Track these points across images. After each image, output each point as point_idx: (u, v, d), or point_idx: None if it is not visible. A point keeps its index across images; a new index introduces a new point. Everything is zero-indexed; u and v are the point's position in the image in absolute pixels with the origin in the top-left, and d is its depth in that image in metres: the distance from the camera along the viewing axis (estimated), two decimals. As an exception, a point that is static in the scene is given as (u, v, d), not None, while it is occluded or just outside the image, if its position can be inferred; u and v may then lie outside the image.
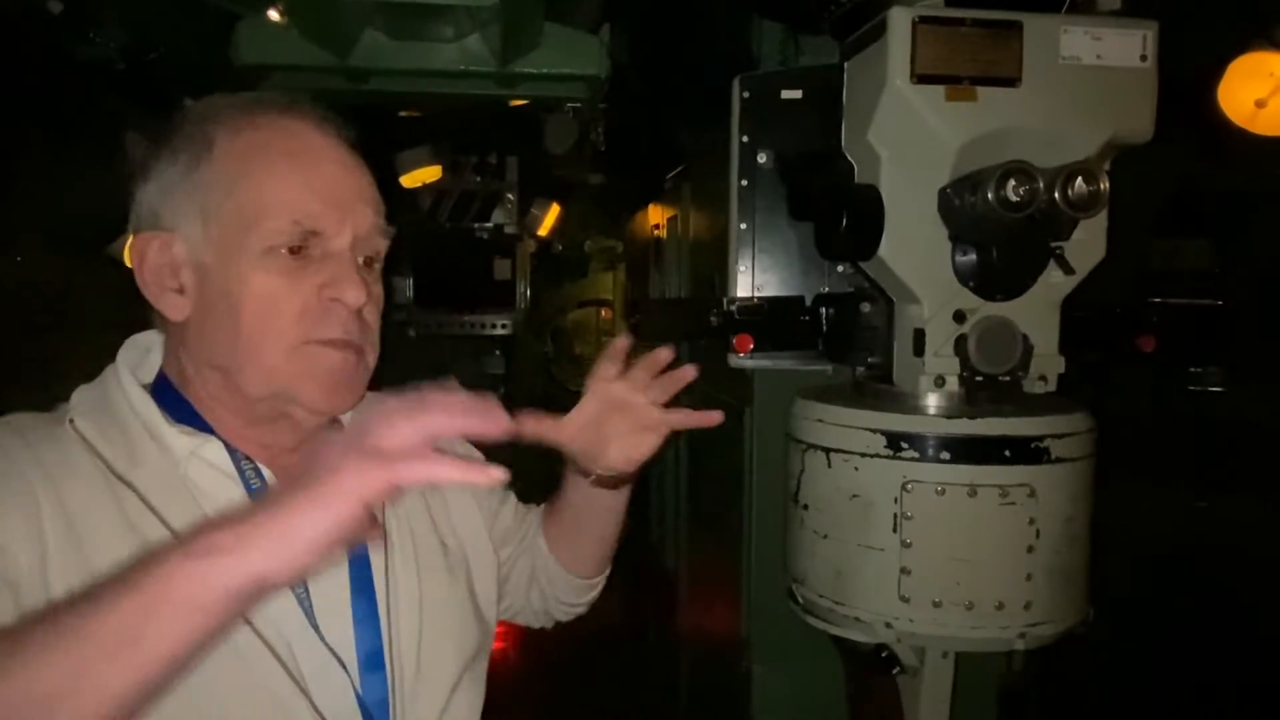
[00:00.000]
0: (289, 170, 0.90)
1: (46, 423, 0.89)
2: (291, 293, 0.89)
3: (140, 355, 0.98)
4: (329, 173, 0.92)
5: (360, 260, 0.94)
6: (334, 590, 0.92)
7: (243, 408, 0.92)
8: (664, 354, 1.12)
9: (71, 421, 0.88)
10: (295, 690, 0.84)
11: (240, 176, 0.89)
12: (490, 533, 1.16)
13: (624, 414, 1.10)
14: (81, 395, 0.93)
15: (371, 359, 0.96)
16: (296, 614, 0.88)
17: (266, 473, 0.93)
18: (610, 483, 1.15)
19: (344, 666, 0.89)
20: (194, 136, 0.91)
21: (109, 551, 0.80)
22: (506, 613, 1.25)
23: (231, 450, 0.92)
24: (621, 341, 1.14)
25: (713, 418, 1.11)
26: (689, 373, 1.11)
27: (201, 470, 0.90)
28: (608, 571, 1.29)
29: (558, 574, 1.25)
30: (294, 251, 0.89)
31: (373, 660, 0.92)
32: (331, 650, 0.89)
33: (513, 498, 1.26)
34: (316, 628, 0.89)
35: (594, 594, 1.30)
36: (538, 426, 1.06)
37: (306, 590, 0.90)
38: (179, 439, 0.89)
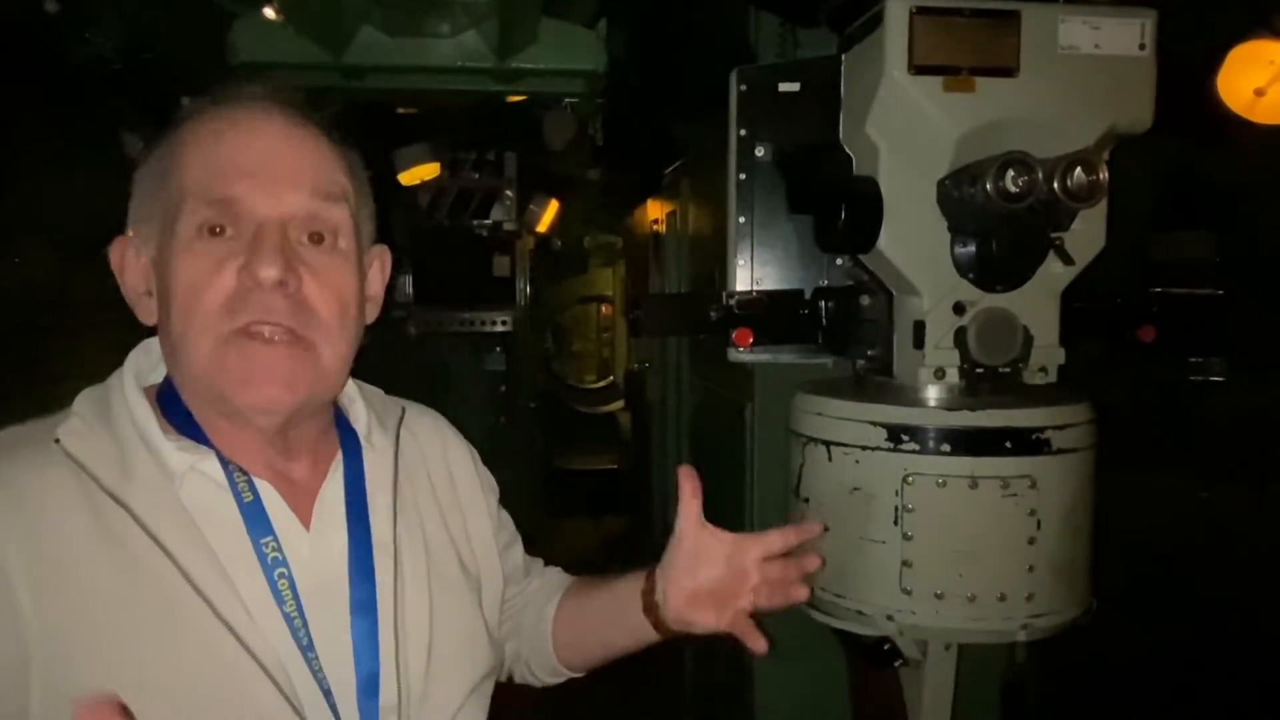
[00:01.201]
0: (209, 150, 0.87)
1: (28, 443, 0.84)
2: (213, 278, 0.84)
3: (155, 360, 0.95)
4: (252, 145, 0.87)
5: (304, 237, 0.88)
6: (332, 612, 0.89)
7: (213, 408, 0.89)
8: (815, 529, 1.07)
9: (58, 440, 0.84)
10: (285, 706, 0.82)
11: (171, 167, 0.87)
12: (501, 563, 1.13)
13: (725, 576, 1.05)
14: (84, 399, 0.90)
15: (327, 349, 0.89)
16: (284, 632, 0.85)
17: (260, 484, 0.89)
18: (653, 617, 1.08)
19: (328, 694, 0.86)
20: (156, 139, 0.90)
21: (100, 577, 0.79)
22: None
23: (224, 462, 0.88)
24: (814, 528, 1.08)
25: (761, 644, 1.03)
26: (801, 594, 1.06)
27: (198, 484, 0.86)
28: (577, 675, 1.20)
29: (546, 652, 1.17)
30: (215, 232, 0.84)
31: (369, 684, 0.89)
32: (317, 677, 0.86)
33: (520, 543, 1.20)
34: (308, 652, 0.86)
35: (559, 681, 1.21)
36: (693, 493, 1.05)
37: (301, 613, 0.86)
38: (176, 454, 0.86)
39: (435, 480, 1.07)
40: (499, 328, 4.79)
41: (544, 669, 1.19)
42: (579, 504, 6.28)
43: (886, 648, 1.41)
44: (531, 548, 1.26)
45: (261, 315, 0.84)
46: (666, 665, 3.38)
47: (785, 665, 2.05)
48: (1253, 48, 2.03)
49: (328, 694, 0.86)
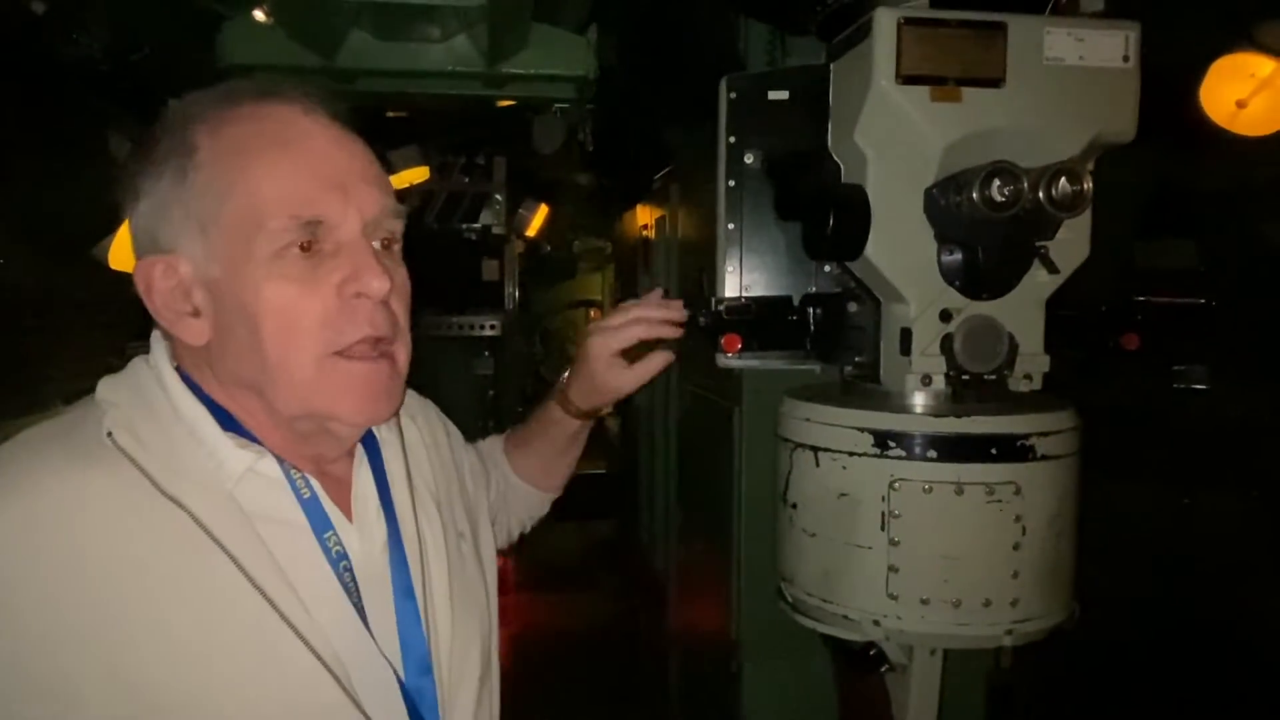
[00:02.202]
0: (279, 161, 0.83)
1: (74, 438, 0.81)
2: (310, 297, 0.82)
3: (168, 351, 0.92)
4: (323, 156, 0.85)
5: (377, 245, 0.88)
6: (380, 600, 0.90)
7: (283, 423, 0.88)
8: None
9: (110, 434, 0.80)
10: (346, 700, 0.82)
11: (231, 178, 0.82)
12: (489, 508, 1.21)
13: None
14: (114, 390, 0.86)
15: (404, 358, 0.91)
16: (354, 622, 0.85)
17: (315, 483, 0.89)
18: (585, 415, 1.35)
19: (397, 674, 0.87)
20: (176, 144, 0.84)
21: (159, 581, 0.77)
22: None
23: (280, 460, 0.87)
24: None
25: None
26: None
27: (251, 482, 0.85)
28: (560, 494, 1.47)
29: (529, 494, 1.40)
30: (305, 249, 0.82)
31: (422, 664, 0.90)
32: (387, 659, 0.87)
33: (472, 448, 1.32)
34: (372, 634, 0.86)
35: (546, 509, 1.47)
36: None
37: (359, 598, 0.87)
38: (235, 453, 0.84)
39: (434, 460, 1.09)
40: (487, 332, 4.79)
41: (537, 505, 1.43)
42: (566, 508, 6.25)
43: (873, 653, 1.41)
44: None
45: (369, 330, 0.85)
46: (652, 669, 3.39)
47: (771, 669, 2.06)
48: (1235, 60, 2.06)
49: (393, 679, 0.87)
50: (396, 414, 1.05)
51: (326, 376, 0.84)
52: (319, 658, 0.81)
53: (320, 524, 0.87)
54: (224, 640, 0.79)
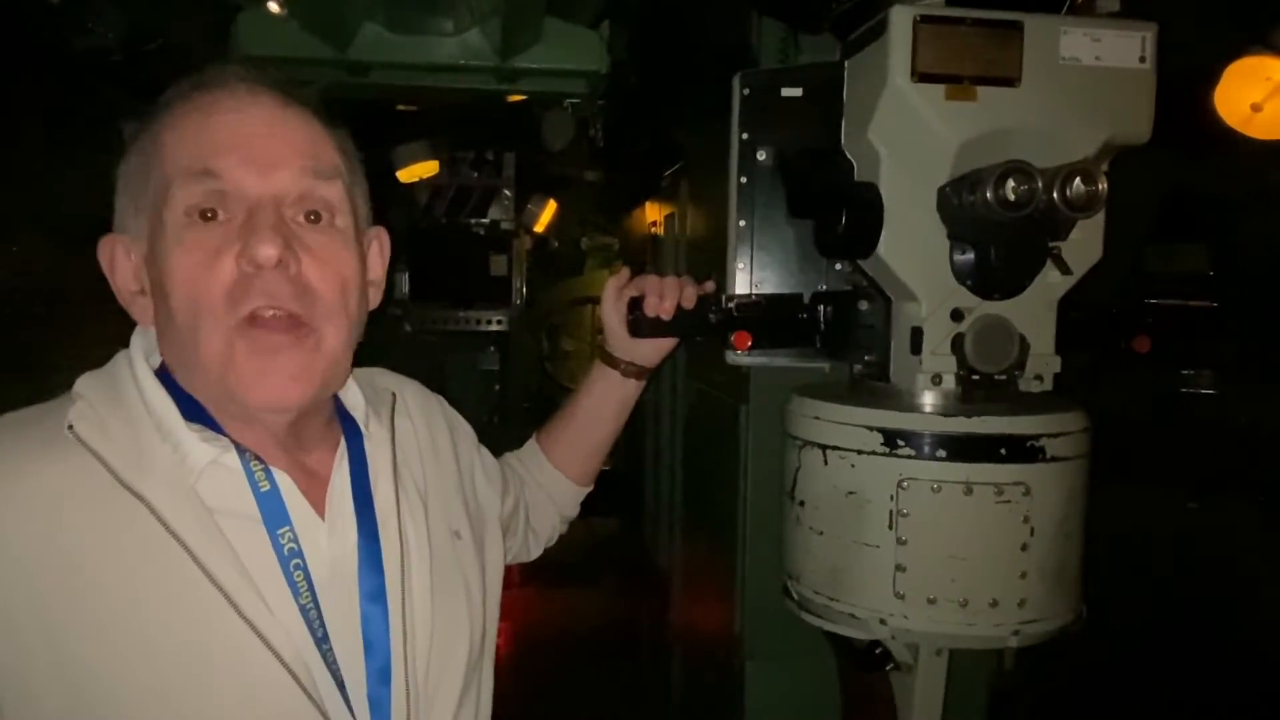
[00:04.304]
0: (195, 131, 0.83)
1: (35, 429, 0.82)
2: (211, 268, 0.81)
3: (154, 344, 0.92)
4: (240, 123, 0.84)
5: (300, 216, 0.85)
6: (346, 603, 0.89)
7: (220, 405, 0.87)
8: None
9: (71, 427, 0.81)
10: (314, 711, 0.81)
11: (153, 156, 0.84)
12: (501, 513, 1.18)
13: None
14: (89, 384, 0.87)
15: (332, 333, 0.86)
16: (305, 631, 0.84)
17: (277, 474, 0.87)
18: (635, 373, 1.39)
19: (342, 686, 0.86)
20: (136, 132, 0.88)
21: (116, 575, 0.77)
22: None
23: (240, 451, 0.86)
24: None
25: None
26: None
27: (215, 475, 0.84)
28: (591, 488, 1.47)
29: (561, 489, 1.38)
30: (206, 216, 0.81)
31: (381, 674, 0.89)
32: (332, 669, 0.86)
33: (494, 459, 1.31)
34: (323, 644, 0.85)
35: (576, 511, 1.47)
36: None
37: (316, 604, 0.86)
38: (199, 446, 0.83)
39: (428, 458, 1.07)
40: (494, 327, 4.79)
41: (569, 501, 1.43)
42: (571, 504, 6.26)
43: (878, 651, 1.41)
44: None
45: (264, 301, 0.81)
46: (654, 666, 3.39)
47: (774, 668, 2.06)
48: (1250, 63, 2.05)
49: (341, 686, 0.85)
50: (392, 410, 1.05)
51: (230, 354, 0.82)
52: (277, 655, 0.80)
53: (275, 520, 0.86)
54: (179, 634, 0.78)
